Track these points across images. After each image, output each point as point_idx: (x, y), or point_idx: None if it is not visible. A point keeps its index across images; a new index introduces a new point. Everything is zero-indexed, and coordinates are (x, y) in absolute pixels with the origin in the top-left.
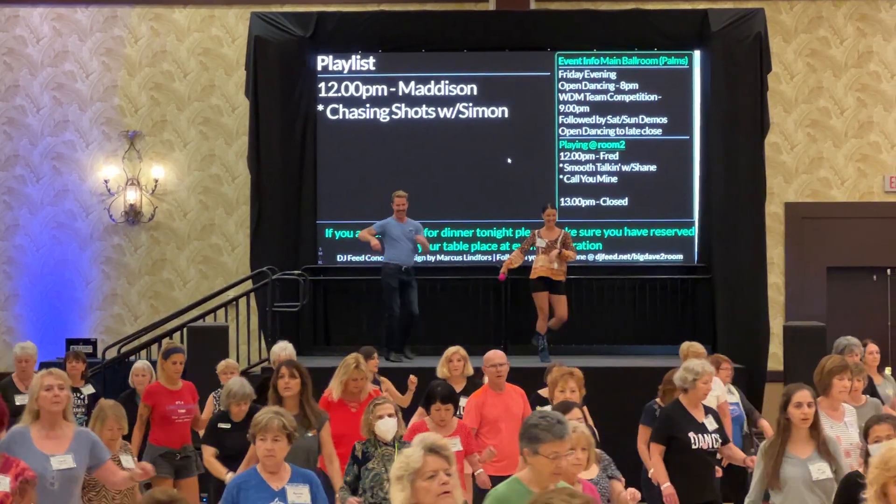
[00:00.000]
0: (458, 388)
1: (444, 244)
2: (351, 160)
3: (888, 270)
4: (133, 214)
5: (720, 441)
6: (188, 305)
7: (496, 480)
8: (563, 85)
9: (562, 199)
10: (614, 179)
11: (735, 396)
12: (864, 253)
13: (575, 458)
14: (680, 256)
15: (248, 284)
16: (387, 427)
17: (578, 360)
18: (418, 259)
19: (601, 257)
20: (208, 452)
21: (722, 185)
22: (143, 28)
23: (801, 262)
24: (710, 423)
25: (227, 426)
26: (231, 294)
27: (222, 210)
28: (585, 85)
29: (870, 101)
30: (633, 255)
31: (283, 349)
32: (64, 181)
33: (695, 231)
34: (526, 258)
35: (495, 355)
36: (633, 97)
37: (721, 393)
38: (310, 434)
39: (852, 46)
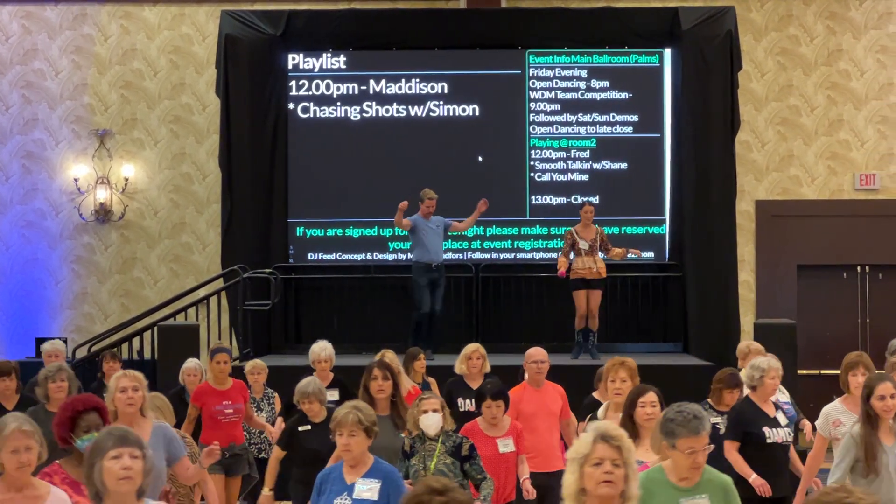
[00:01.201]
0: (475, 385)
1: None
2: (322, 158)
3: (858, 268)
4: (103, 213)
5: (791, 436)
6: (159, 304)
7: (535, 477)
8: (533, 83)
9: (532, 198)
10: (585, 177)
11: (786, 395)
12: (835, 250)
13: None
14: (651, 254)
15: (220, 283)
16: (430, 422)
17: (550, 357)
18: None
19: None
20: (274, 453)
21: (693, 183)
22: (113, 26)
23: (772, 260)
24: (782, 418)
25: (307, 427)
26: (202, 293)
27: (193, 209)
28: (556, 83)
29: (840, 99)
30: (604, 253)
31: (323, 349)
32: (33, 180)
33: (666, 229)
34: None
35: (537, 352)
36: (603, 95)
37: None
38: (403, 435)
39: (822, 44)
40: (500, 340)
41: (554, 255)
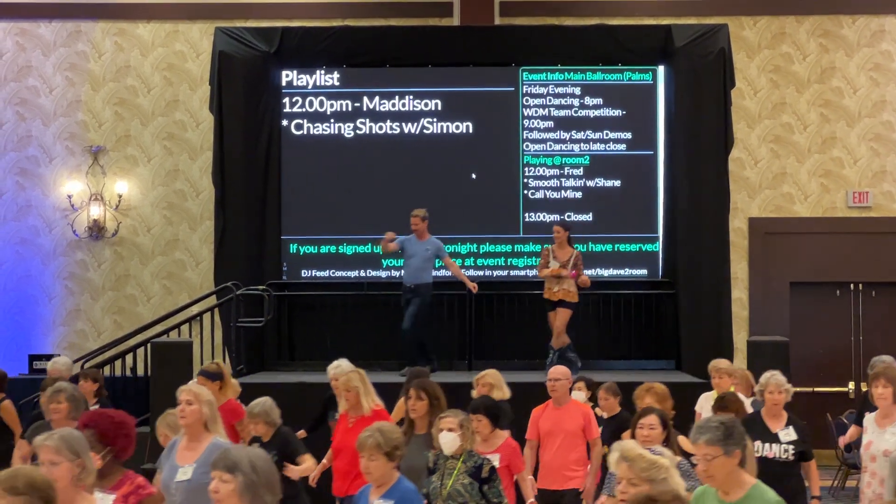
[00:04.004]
0: None
1: None
2: (315, 175)
3: (851, 285)
4: (97, 230)
5: (793, 453)
6: (152, 321)
7: (545, 494)
8: (527, 100)
9: (526, 215)
10: (579, 195)
11: None
12: (828, 268)
13: None
14: (644, 271)
15: (213, 300)
16: (445, 440)
17: (543, 375)
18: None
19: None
20: None
21: (686, 201)
22: (107, 43)
23: (765, 277)
24: (786, 435)
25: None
26: (195, 309)
27: (186, 225)
28: (550, 100)
29: (833, 116)
30: (598, 270)
31: (336, 367)
32: (27, 196)
33: (659, 246)
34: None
35: (554, 370)
36: (597, 112)
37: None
38: (431, 454)
39: (815, 62)
40: (494, 358)
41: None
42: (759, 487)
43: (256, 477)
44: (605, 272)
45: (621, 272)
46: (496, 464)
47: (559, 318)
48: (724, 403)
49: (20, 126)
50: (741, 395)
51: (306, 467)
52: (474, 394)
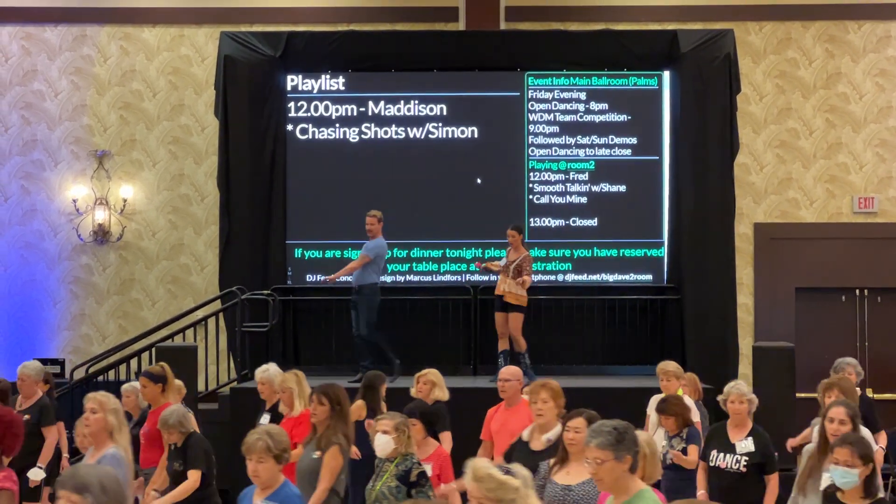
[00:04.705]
0: None
1: (414, 264)
2: (320, 180)
3: (857, 291)
4: (102, 234)
5: (745, 465)
6: (157, 325)
7: None
8: (532, 105)
9: (531, 220)
10: (584, 200)
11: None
12: (833, 273)
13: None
14: (649, 277)
15: (218, 304)
16: (378, 443)
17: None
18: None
19: (570, 277)
20: None
21: (691, 206)
22: (113, 47)
23: (770, 283)
24: (743, 446)
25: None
26: (200, 314)
27: (191, 230)
28: (555, 105)
29: (838, 122)
30: (603, 275)
31: (264, 371)
32: (32, 201)
33: (664, 251)
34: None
35: (504, 370)
36: (602, 117)
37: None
38: (315, 455)
39: (821, 67)
40: (497, 363)
41: (552, 277)
42: (643, 494)
43: (106, 498)
44: (610, 277)
45: (626, 277)
46: (429, 473)
47: (512, 323)
48: (666, 406)
49: (25, 130)
50: (688, 399)
51: (182, 489)
52: (413, 391)
